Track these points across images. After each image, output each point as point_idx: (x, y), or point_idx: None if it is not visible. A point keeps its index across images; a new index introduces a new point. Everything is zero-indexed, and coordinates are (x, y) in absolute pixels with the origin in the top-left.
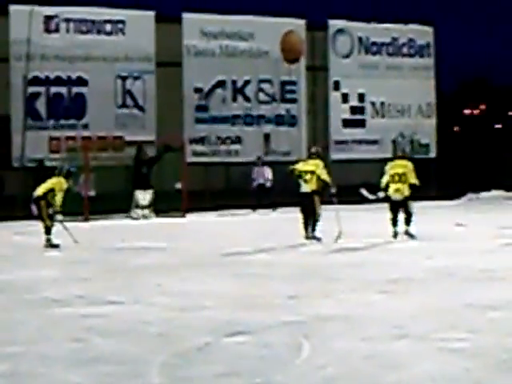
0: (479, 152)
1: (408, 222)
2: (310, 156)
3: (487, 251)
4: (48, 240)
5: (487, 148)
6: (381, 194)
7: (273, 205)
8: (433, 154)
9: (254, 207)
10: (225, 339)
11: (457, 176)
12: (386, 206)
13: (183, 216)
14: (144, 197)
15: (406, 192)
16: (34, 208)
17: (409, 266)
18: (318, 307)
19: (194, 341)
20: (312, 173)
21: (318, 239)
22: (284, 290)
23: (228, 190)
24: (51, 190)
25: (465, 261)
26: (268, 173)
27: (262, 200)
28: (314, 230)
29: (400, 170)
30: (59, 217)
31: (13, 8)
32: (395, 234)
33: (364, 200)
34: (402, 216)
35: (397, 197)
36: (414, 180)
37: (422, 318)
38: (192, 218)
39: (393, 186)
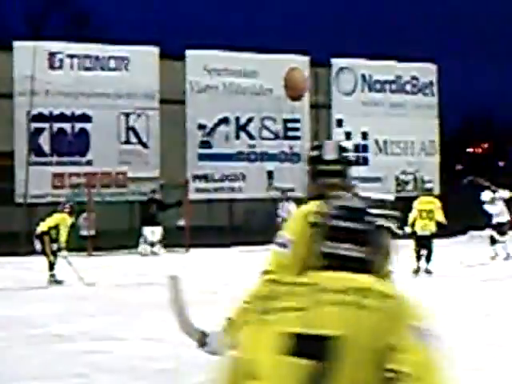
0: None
1: (429, 259)
2: None
3: (490, 289)
4: (52, 276)
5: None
6: (407, 230)
7: None
8: (436, 192)
9: None
10: None
11: (460, 214)
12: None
13: (186, 252)
14: (153, 233)
15: (433, 228)
16: (37, 244)
17: None
18: None
19: (199, 377)
20: None
21: None
22: None
23: (231, 226)
24: (55, 227)
25: (467, 298)
26: (293, 208)
27: None
28: None
29: (428, 207)
30: (64, 253)
31: (17, 44)
32: (418, 270)
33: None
34: (423, 253)
35: (423, 232)
36: (441, 218)
37: None
38: (195, 253)
39: (420, 222)
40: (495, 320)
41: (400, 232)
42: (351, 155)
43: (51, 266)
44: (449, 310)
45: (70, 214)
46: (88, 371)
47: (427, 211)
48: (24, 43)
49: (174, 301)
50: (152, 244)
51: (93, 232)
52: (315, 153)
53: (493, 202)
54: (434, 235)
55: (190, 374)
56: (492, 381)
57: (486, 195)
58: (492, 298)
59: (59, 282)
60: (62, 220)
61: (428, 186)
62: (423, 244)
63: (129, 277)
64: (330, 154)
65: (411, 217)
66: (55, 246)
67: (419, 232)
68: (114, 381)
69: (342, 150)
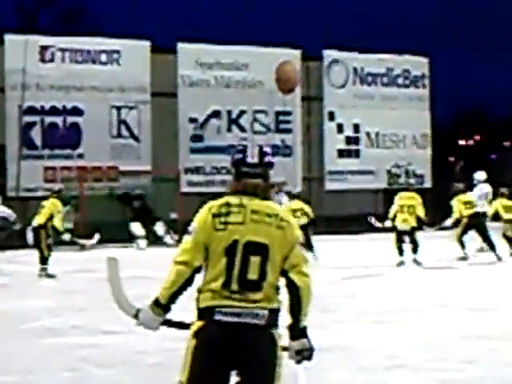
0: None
1: (415, 250)
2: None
3: (482, 281)
4: (43, 269)
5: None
6: (387, 224)
7: None
8: (428, 185)
9: None
10: None
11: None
12: (384, 236)
13: (178, 245)
14: (161, 228)
15: (413, 223)
16: (29, 237)
17: (404, 296)
18: (313, 338)
19: None
20: (302, 210)
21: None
22: (280, 320)
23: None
24: (50, 218)
25: (460, 291)
26: (285, 200)
27: None
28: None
29: (408, 202)
30: (66, 236)
31: (8, 37)
32: (401, 263)
33: (373, 228)
34: (408, 246)
35: (404, 227)
36: (421, 213)
37: (417, 348)
38: None
39: (400, 217)
40: (488, 311)
41: (379, 225)
42: (272, 159)
43: (44, 260)
44: (442, 302)
45: (58, 198)
46: (80, 365)
47: (408, 206)
48: (15, 36)
49: (112, 280)
50: (160, 237)
51: (70, 225)
52: (239, 156)
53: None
54: (414, 229)
55: None
56: (484, 373)
57: (481, 174)
58: (485, 290)
59: (51, 276)
60: (53, 206)
61: (409, 181)
62: (403, 239)
63: (121, 270)
64: (252, 157)
65: (392, 211)
66: (50, 240)
67: (399, 227)
68: (107, 375)
69: (264, 154)
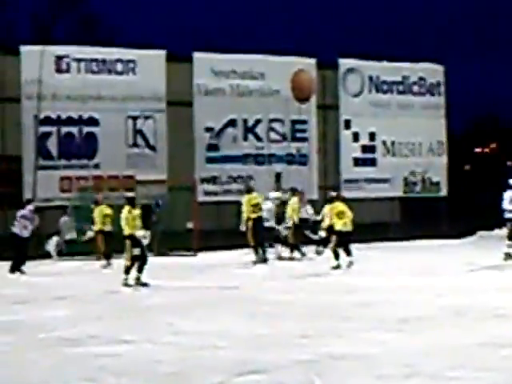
0: (491, 189)
1: None
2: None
3: (497, 289)
4: (126, 279)
5: (499, 185)
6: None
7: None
8: (444, 193)
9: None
10: (238, 378)
11: (468, 214)
12: (400, 244)
13: (195, 255)
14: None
15: None
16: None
17: (419, 304)
18: (330, 346)
19: (206, 380)
20: None
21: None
22: (297, 329)
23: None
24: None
25: (475, 299)
26: (310, 209)
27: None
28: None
29: None
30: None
31: (24, 48)
32: None
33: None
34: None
35: None
36: None
37: (433, 356)
38: (204, 256)
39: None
40: (504, 318)
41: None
42: None
43: (127, 270)
44: (457, 310)
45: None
46: (97, 374)
47: None
48: (31, 47)
49: None
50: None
51: (74, 235)
52: None
53: None
54: None
55: (198, 377)
56: (500, 381)
57: None
58: (501, 297)
59: (130, 286)
60: (126, 214)
61: None
62: None
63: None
64: None
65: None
66: (136, 251)
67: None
68: None
69: None
